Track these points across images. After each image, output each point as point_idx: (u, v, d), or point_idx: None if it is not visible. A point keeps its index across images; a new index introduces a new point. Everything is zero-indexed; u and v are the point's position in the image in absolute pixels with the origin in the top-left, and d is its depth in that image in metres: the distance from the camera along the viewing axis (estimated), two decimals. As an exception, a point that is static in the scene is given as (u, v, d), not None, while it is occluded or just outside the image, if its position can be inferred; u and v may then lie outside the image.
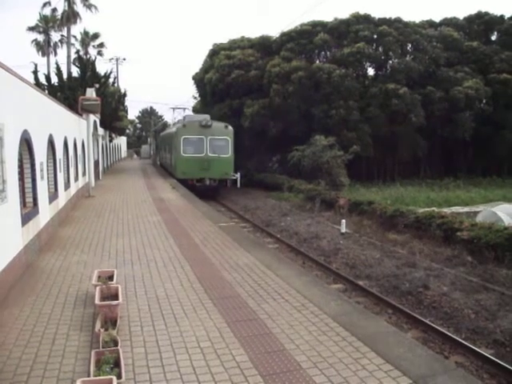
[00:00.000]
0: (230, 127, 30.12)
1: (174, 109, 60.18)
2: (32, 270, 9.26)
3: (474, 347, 8.87)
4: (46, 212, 12.12)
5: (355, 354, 5.63)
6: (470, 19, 53.71)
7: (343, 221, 19.83)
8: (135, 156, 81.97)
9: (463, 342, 9.12)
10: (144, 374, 5.14)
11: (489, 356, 8.48)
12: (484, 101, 47.62)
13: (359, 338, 6.03)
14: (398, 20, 49.17)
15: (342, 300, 7.64)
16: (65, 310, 7.06)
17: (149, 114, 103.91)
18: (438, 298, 11.67)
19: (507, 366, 8.05)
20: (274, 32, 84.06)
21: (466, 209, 27.44)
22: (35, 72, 29.10)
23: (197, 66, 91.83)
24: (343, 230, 19.46)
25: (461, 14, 57.18)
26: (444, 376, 5.15)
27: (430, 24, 52.85)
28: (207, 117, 32.69)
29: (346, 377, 5.11)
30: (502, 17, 52.83)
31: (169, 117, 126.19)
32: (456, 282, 12.75)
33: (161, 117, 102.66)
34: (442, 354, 8.56)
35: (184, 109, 56.24)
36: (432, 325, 9.93)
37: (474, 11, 54.74)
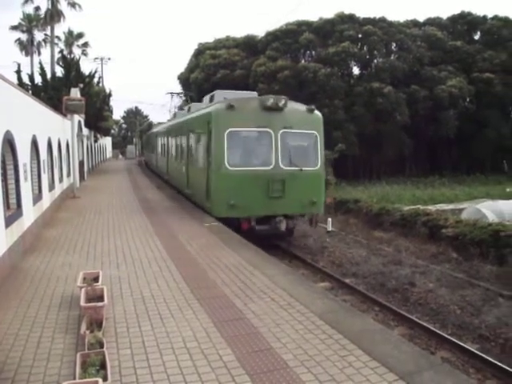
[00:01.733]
0: (318, 112, 16.19)
1: (172, 94, 48.27)
2: (16, 272, 9.14)
3: (459, 342, 8.96)
4: (30, 213, 12.00)
5: (342, 352, 5.64)
6: (454, 19, 54.41)
7: (329, 219, 19.91)
8: (120, 156, 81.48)
9: (449, 337, 9.22)
10: (130, 375, 5.10)
11: (474, 351, 8.58)
12: (467, 99, 48.24)
13: (346, 336, 6.04)
14: (383, 20, 49.61)
15: (329, 298, 7.65)
16: (50, 313, 6.98)
17: (134, 114, 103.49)
18: (424, 294, 11.77)
19: (492, 360, 8.14)
20: (260, 31, 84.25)
21: (451, 206, 27.77)
22: (18, 72, 28.77)
23: (182, 65, 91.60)
24: (329, 228, 19.55)
25: (444, 14, 57.94)
26: (430, 372, 5.18)
27: (414, 23, 53.42)
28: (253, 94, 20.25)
29: (332, 374, 5.11)
30: (484, 17, 53.59)
31: (154, 117, 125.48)
32: (442, 279, 12.87)
33: (146, 117, 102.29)
34: (428, 350, 8.64)
35: (186, 94, 43.64)
36: (418, 321, 10.00)
37: (457, 11, 55.38)
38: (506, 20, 52.18)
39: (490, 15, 53.51)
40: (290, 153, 15.04)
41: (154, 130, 39.28)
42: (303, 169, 15.01)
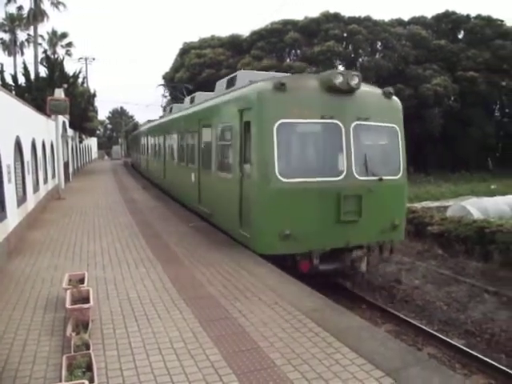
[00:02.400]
0: (396, 98, 11.92)
1: (164, 86, 42.51)
2: (1, 275, 9.04)
3: (446, 338, 9.04)
4: (15, 215, 11.88)
5: (328, 350, 5.66)
6: (438, 18, 54.91)
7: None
8: (106, 157, 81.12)
9: (435, 333, 9.29)
10: (117, 377, 5.07)
11: (460, 346, 8.65)
12: (452, 98, 48.66)
13: (332, 334, 6.06)
14: (368, 18, 49.89)
15: (315, 296, 7.67)
16: (35, 315, 6.92)
17: (119, 115, 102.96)
18: (411, 291, 11.87)
19: (478, 355, 8.22)
20: (245, 30, 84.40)
21: (437, 203, 28.03)
22: (1, 72, 28.55)
23: (167, 65, 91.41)
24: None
25: (429, 13, 58.55)
26: (416, 367, 5.22)
27: (399, 22, 53.80)
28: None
29: (319, 372, 5.13)
30: (468, 16, 54.18)
31: (140, 117, 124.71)
32: (427, 276, 12.98)
33: (131, 117, 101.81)
34: (415, 347, 8.69)
35: (179, 87, 34.07)
36: (405, 318, 10.06)
37: (441, 10, 55.95)
38: (488, 19, 52.79)
39: (473, 14, 54.19)
40: (366, 156, 10.57)
41: (144, 127, 34.08)
42: (384, 179, 10.73)
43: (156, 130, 26.49)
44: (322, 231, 10.08)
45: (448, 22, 54.13)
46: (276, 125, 9.79)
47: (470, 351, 8.41)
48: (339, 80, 10.15)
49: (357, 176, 10.34)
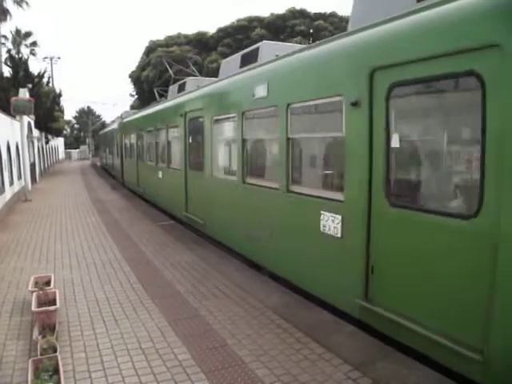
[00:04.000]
0: None
1: (168, 65, 33.48)
2: (-36, 279, 8.89)
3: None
4: (-22, 219, 11.67)
5: (297, 345, 5.72)
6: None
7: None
8: (74, 157, 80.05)
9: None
10: (85, 379, 5.03)
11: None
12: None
13: (300, 329, 6.13)
14: (334, 14, 50.33)
15: (283, 292, 7.72)
16: (1, 319, 6.80)
17: (86, 114, 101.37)
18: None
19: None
20: (211, 28, 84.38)
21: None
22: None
23: (134, 63, 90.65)
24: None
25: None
26: (384, 361, 5.29)
27: (365, 18, 54.45)
28: None
29: (288, 368, 5.17)
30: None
31: (107, 116, 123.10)
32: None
33: (98, 116, 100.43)
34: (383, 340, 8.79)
35: (188, 59, 26.78)
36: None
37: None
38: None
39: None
40: None
41: (131, 118, 24.08)
42: None
43: (159, 118, 16.64)
44: None
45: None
46: None
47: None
48: None
49: None
